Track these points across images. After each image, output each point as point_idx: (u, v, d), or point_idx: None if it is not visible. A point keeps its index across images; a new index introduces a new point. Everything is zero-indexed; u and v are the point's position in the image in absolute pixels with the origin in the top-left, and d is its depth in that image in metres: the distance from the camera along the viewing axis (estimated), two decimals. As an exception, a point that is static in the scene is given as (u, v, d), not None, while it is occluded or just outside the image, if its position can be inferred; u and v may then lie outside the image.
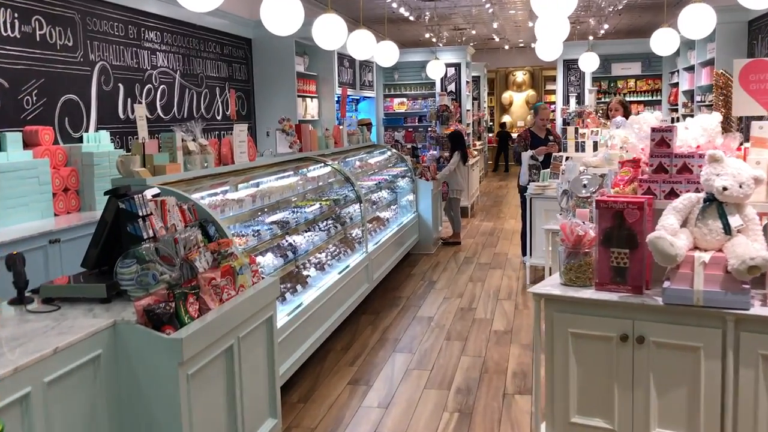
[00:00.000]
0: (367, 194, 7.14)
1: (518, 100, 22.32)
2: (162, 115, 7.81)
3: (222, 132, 8.84)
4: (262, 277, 3.53)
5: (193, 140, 4.33)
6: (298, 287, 4.82)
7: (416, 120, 15.15)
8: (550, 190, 6.92)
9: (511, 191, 15.59)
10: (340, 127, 7.63)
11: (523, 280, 7.24)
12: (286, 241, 5.03)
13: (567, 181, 5.38)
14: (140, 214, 3.08)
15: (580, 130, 7.08)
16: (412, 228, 8.36)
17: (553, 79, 21.75)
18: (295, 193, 5.32)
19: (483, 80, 19.62)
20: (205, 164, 4.39)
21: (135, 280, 2.90)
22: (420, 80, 15.08)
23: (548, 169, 7.19)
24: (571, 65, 14.86)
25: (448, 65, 14.37)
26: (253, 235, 4.46)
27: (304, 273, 5.13)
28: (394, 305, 6.43)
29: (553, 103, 21.93)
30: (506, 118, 21.84)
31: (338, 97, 10.50)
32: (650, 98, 14.41)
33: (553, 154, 7.20)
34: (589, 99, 11.25)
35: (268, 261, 4.57)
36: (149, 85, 7.51)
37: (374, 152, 8.73)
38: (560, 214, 5.52)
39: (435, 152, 11.67)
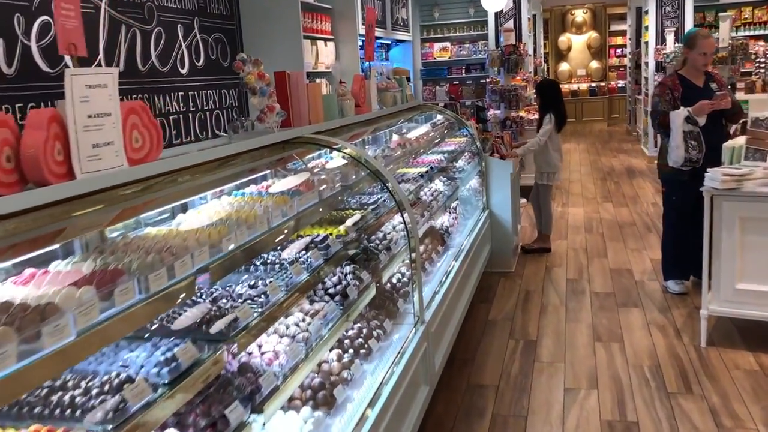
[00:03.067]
0: (413, 192, 4.09)
1: (578, 44, 18.77)
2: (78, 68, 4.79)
3: (190, 94, 5.84)
4: None
5: None
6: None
7: (463, 70, 11.90)
8: (752, 182, 3.78)
9: (588, 157, 12.32)
10: (366, 79, 4.52)
11: (692, 336, 4.15)
12: (232, 364, 2.03)
13: None
14: None
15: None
16: (484, 237, 5.29)
17: (620, 17, 18.19)
18: (263, 233, 2.27)
19: (539, 20, 16.17)
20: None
21: None
22: (467, 18, 11.78)
23: (740, 143, 4.04)
24: (665, -8, 11.40)
25: (505, -4, 11.02)
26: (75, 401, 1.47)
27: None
28: (474, 412, 3.41)
29: (623, 46, 18.39)
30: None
31: (362, 41, 7.38)
32: (771, 31, 10.94)
33: (749, 117, 4.03)
34: (721, 31, 7.87)
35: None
36: (44, 18, 4.45)
37: (419, 118, 5.64)
38: None
39: (499, 112, 8.51)
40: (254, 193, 2.63)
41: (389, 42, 10.02)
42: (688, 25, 10.87)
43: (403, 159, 4.27)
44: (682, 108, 4.62)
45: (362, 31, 7.46)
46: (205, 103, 6.12)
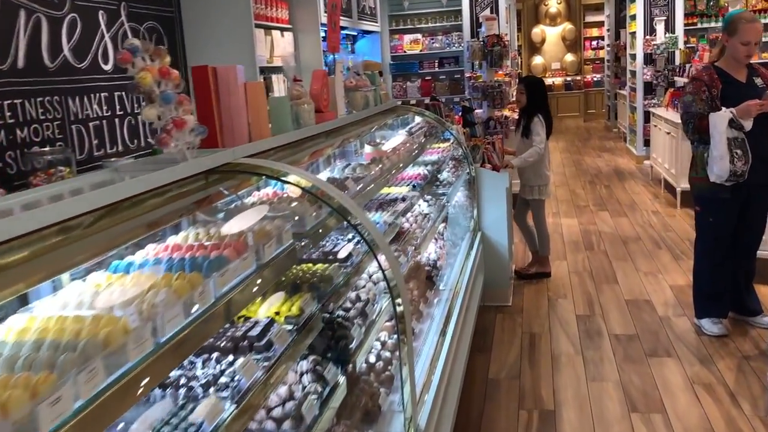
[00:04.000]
0: (395, 218, 3.11)
1: (552, 36, 17.96)
2: (-44, 66, 3.68)
3: (116, 95, 4.77)
4: None
5: None
6: None
7: (435, 64, 10.92)
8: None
9: (570, 157, 11.47)
10: (330, 75, 3.50)
11: (752, 402, 3.24)
12: None
13: None
14: None
15: None
16: (478, 268, 4.33)
17: (596, 8, 17.42)
18: (140, 361, 1.26)
19: (512, 11, 15.27)
20: None
21: None
22: (439, 7, 10.81)
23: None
24: (653, -23, 10.55)
25: (481, -17, 10.08)
26: None
27: None
28: None
29: (599, 38, 17.65)
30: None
31: (325, 30, 6.36)
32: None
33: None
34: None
35: None
36: None
37: (393, 124, 4.66)
38: None
39: (481, 111, 7.58)
40: (147, 265, 1.61)
41: (355, 33, 9.01)
42: (679, 13, 10.07)
43: (379, 179, 3.27)
44: (723, 109, 3.73)
45: (325, 20, 6.46)
46: (136, 106, 5.01)
